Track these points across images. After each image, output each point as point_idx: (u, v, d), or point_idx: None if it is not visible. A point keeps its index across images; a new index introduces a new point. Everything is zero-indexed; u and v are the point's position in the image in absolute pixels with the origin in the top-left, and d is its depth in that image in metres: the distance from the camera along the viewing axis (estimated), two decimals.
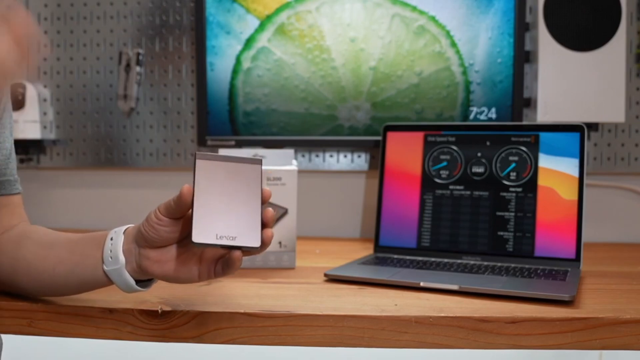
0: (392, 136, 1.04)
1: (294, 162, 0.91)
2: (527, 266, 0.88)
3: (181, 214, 0.61)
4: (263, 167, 0.90)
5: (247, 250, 0.61)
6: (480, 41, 1.13)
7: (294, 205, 0.90)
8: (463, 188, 0.98)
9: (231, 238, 0.59)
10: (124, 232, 0.64)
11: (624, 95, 1.09)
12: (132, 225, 0.65)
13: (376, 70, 1.16)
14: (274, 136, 1.18)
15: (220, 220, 0.60)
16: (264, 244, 0.61)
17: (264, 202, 0.63)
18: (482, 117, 1.14)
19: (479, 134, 0.98)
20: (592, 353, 1.05)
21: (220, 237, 0.59)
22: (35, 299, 0.72)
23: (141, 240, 0.62)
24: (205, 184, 0.61)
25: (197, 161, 0.61)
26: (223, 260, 0.62)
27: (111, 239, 0.64)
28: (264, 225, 0.61)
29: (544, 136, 0.94)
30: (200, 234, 0.59)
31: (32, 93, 1.19)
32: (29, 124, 1.20)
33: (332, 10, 1.16)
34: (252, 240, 0.60)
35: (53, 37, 1.25)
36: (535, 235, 0.92)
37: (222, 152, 0.92)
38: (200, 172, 0.61)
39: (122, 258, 0.62)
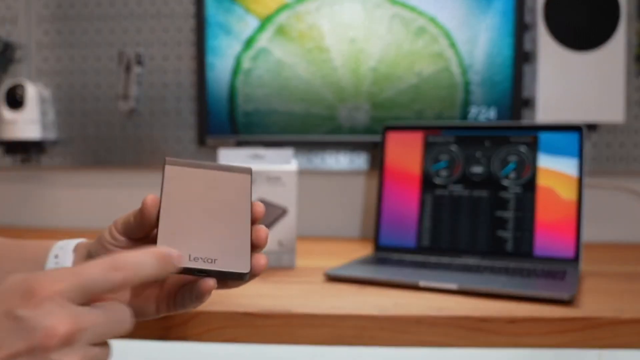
0: (391, 136, 1.04)
1: (294, 161, 0.92)
2: (526, 266, 0.89)
3: (143, 232, 0.50)
4: (263, 167, 0.90)
5: (229, 278, 0.47)
6: (479, 41, 1.13)
7: (294, 205, 0.90)
8: (462, 188, 0.98)
9: (210, 260, 0.46)
10: (74, 249, 0.53)
11: (623, 95, 1.10)
12: (84, 240, 0.55)
13: (376, 71, 1.16)
14: (274, 136, 1.18)
15: (196, 239, 0.47)
16: (254, 271, 0.48)
17: (255, 220, 0.51)
18: (482, 117, 1.14)
19: (478, 134, 0.98)
20: (592, 353, 1.05)
21: (194, 259, 0.46)
22: None
23: None
24: (177, 196, 0.49)
25: (167, 167, 0.50)
26: (187, 288, 0.50)
27: (56, 256, 0.53)
28: (255, 247, 0.49)
29: (543, 136, 0.94)
30: None
31: (32, 93, 1.19)
32: (29, 124, 1.20)
33: (332, 10, 1.16)
34: (239, 264, 0.47)
35: (53, 38, 1.25)
36: (535, 235, 0.92)
37: (222, 153, 0.91)
38: (170, 182, 0.50)
39: None
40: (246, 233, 0.49)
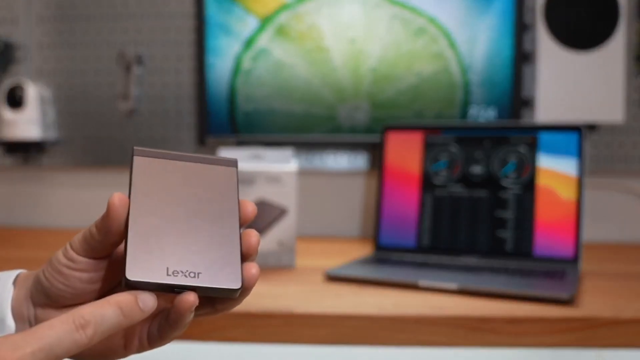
0: (391, 136, 1.04)
1: (294, 161, 0.92)
2: (526, 266, 0.89)
3: (109, 246, 0.40)
4: (263, 167, 0.90)
5: (217, 296, 0.39)
6: (479, 41, 1.13)
7: (294, 205, 0.90)
8: (462, 188, 0.98)
9: (192, 274, 0.38)
10: (13, 282, 0.43)
11: (623, 96, 1.10)
12: (25, 271, 0.45)
13: (376, 71, 1.16)
14: (274, 136, 1.18)
15: (174, 248, 0.38)
16: (246, 285, 0.39)
17: (245, 222, 0.43)
18: (481, 117, 1.14)
19: (478, 134, 0.99)
20: (591, 352, 1.05)
21: (174, 273, 0.37)
22: None
23: (40, 295, 0.42)
24: (149, 194, 0.40)
25: (135, 159, 0.41)
26: (162, 314, 0.41)
27: None
28: (245, 256, 0.41)
29: (542, 136, 0.95)
30: (139, 269, 0.37)
31: (32, 93, 1.19)
32: (29, 124, 1.20)
33: (332, 11, 1.16)
34: (228, 278, 0.38)
35: (54, 38, 1.25)
36: (534, 235, 0.92)
37: (222, 153, 0.92)
38: (139, 176, 0.41)
39: (11, 323, 0.42)
40: (235, 239, 0.40)
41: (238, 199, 0.43)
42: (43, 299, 0.42)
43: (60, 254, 0.41)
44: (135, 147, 0.42)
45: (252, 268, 0.40)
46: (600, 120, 1.11)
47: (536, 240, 0.92)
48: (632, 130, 1.14)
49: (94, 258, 0.41)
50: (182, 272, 0.38)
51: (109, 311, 0.36)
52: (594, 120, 1.11)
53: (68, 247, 0.41)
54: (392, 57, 1.15)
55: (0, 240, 1.12)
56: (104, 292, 0.42)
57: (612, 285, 0.79)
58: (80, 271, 0.40)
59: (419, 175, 1.01)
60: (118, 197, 0.39)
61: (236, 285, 0.38)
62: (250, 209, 0.43)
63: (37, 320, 0.42)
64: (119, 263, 0.41)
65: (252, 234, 0.41)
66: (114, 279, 0.42)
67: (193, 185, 0.42)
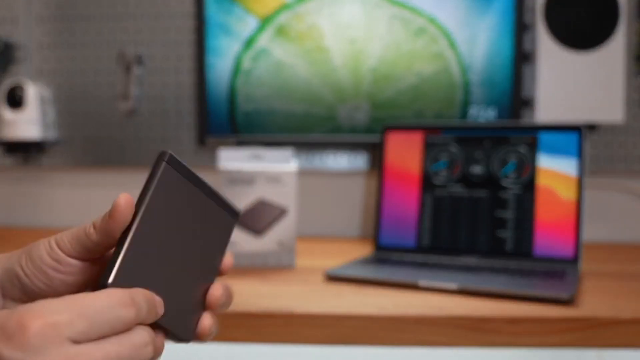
0: (391, 136, 1.04)
1: (294, 161, 0.92)
2: (526, 266, 0.89)
3: (101, 251, 0.39)
4: (263, 167, 0.90)
5: (167, 336, 0.39)
6: (479, 41, 1.13)
7: (294, 205, 0.90)
8: (462, 188, 0.98)
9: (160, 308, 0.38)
10: None
11: (623, 96, 1.10)
12: None
13: (376, 71, 1.16)
14: (274, 136, 1.18)
15: (155, 276, 0.38)
16: (198, 338, 0.41)
17: (221, 274, 0.43)
18: (481, 117, 1.14)
19: (478, 134, 0.99)
20: (591, 352, 1.05)
21: None
22: None
23: (15, 289, 0.39)
24: (160, 208, 0.38)
25: (165, 166, 0.39)
26: None
27: None
28: (207, 307, 0.41)
29: (542, 136, 0.95)
30: (122, 280, 0.36)
31: (32, 93, 1.19)
32: (29, 124, 1.20)
33: (332, 11, 1.16)
34: (183, 328, 0.39)
35: (54, 38, 1.25)
36: (534, 235, 0.92)
37: (222, 153, 0.91)
38: (160, 186, 0.39)
39: None
40: (205, 288, 0.41)
41: (226, 248, 0.43)
42: (18, 294, 0.39)
43: (42, 251, 0.38)
44: (168, 152, 0.40)
45: (207, 325, 0.41)
46: (600, 120, 1.11)
47: (536, 240, 0.92)
48: (632, 130, 1.14)
49: (85, 260, 0.39)
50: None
51: (154, 302, 0.36)
52: (594, 120, 1.11)
53: (54, 246, 0.38)
54: (392, 57, 1.15)
55: (0, 240, 1.12)
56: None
57: (612, 285, 0.79)
58: (66, 274, 0.38)
59: (419, 175, 1.01)
60: (125, 199, 0.37)
61: (187, 338, 0.39)
62: (228, 263, 0.43)
63: (8, 315, 0.37)
64: (105, 266, 0.38)
65: (217, 288, 0.41)
66: (93, 281, 0.40)
67: (199, 220, 0.41)
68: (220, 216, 0.42)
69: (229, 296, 0.43)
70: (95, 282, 0.39)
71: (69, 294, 0.36)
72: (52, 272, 0.38)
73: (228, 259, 0.43)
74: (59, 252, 0.38)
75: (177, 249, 0.39)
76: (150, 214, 0.38)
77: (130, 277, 0.36)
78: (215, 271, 0.42)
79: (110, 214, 0.37)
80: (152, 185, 0.38)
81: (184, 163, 0.40)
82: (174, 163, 0.39)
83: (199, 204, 0.41)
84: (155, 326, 0.37)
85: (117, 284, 0.35)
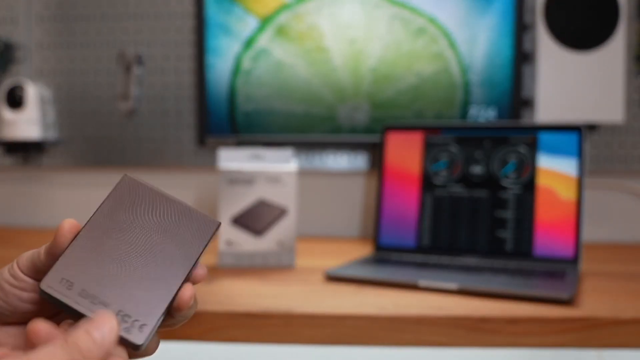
0: (391, 136, 1.04)
1: (294, 161, 0.92)
2: (526, 266, 0.89)
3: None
4: (263, 167, 0.90)
5: (122, 343, 0.37)
6: (479, 42, 1.13)
7: (294, 205, 0.90)
8: (462, 188, 0.98)
9: (102, 306, 0.36)
10: None
11: (623, 96, 1.10)
12: None
13: (375, 71, 1.16)
14: (274, 136, 1.18)
15: (102, 274, 0.37)
16: (178, 308, 0.40)
17: (195, 282, 0.42)
18: (481, 117, 1.14)
19: (478, 134, 0.99)
20: (591, 353, 1.05)
21: (83, 296, 0.36)
22: None
23: None
24: (113, 213, 0.40)
25: (124, 177, 0.42)
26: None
27: None
28: (175, 310, 0.40)
29: (542, 136, 0.95)
30: (56, 281, 0.37)
31: (32, 93, 1.19)
32: (29, 124, 1.20)
33: (332, 11, 1.16)
34: (135, 330, 0.36)
35: (54, 38, 1.25)
36: (534, 235, 0.92)
37: (222, 153, 0.91)
38: (116, 193, 0.41)
39: None
40: (170, 290, 0.39)
41: (199, 256, 0.41)
42: None
43: (5, 271, 0.41)
44: (126, 175, 0.42)
45: (188, 292, 0.39)
46: (600, 120, 1.11)
47: (536, 240, 0.92)
48: (632, 130, 1.14)
49: (37, 279, 0.40)
50: (93, 299, 0.36)
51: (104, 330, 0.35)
52: (594, 120, 1.11)
53: (14, 264, 0.41)
54: (392, 57, 1.15)
55: (0, 240, 1.12)
56: (45, 316, 0.40)
57: (612, 285, 0.79)
58: (21, 290, 0.40)
59: (419, 175, 1.01)
60: (68, 223, 0.39)
61: (138, 341, 0.36)
62: (201, 272, 0.42)
63: None
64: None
65: (188, 288, 0.40)
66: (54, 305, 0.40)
67: (164, 222, 0.41)
68: (195, 220, 0.42)
69: (195, 302, 0.42)
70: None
71: (27, 315, 0.40)
72: (8, 287, 0.40)
73: (201, 270, 0.43)
74: (17, 269, 0.40)
75: (134, 248, 0.39)
76: (99, 221, 0.39)
77: (66, 278, 0.37)
78: (185, 273, 0.40)
79: (54, 237, 0.39)
80: (105, 202, 0.40)
81: (145, 183, 0.42)
82: (133, 183, 0.41)
83: (167, 209, 0.41)
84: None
85: (48, 285, 0.36)
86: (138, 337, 0.36)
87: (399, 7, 1.15)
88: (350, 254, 1.01)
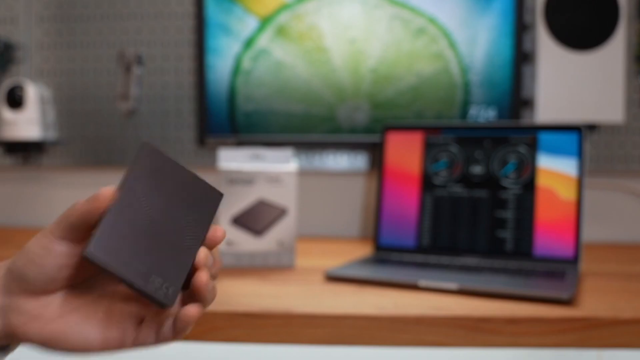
0: (392, 136, 1.04)
1: (294, 161, 0.92)
2: (526, 266, 0.89)
3: (85, 230, 0.41)
4: (263, 167, 0.90)
5: (150, 300, 0.42)
6: (479, 42, 1.13)
7: (294, 205, 0.90)
8: (462, 188, 0.98)
9: (143, 276, 0.41)
10: None
11: (623, 96, 1.10)
12: None
13: (375, 71, 1.16)
14: (274, 136, 1.18)
15: (137, 245, 0.42)
16: (196, 291, 0.43)
17: (212, 245, 0.46)
18: (481, 117, 1.14)
19: (478, 134, 0.99)
20: (591, 353, 1.05)
21: (127, 267, 0.41)
22: None
23: (13, 283, 0.41)
24: (143, 183, 0.43)
25: (144, 145, 0.44)
26: (173, 319, 0.44)
27: None
28: (195, 268, 0.43)
29: (542, 136, 0.95)
30: (103, 250, 0.40)
31: (32, 93, 1.19)
32: (29, 124, 1.20)
33: (332, 11, 1.16)
34: (166, 293, 0.42)
35: (54, 38, 1.25)
36: (534, 235, 0.92)
37: (222, 153, 0.91)
38: (142, 163, 0.44)
39: None
40: (190, 255, 0.43)
41: (211, 222, 0.46)
42: (16, 286, 0.41)
43: (35, 246, 0.41)
44: (148, 143, 0.45)
45: (203, 276, 0.42)
46: (600, 120, 1.11)
47: (536, 240, 0.92)
48: (632, 130, 1.14)
49: (72, 241, 0.41)
50: (135, 269, 0.41)
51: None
52: (594, 120, 1.11)
53: (42, 239, 0.41)
54: (392, 57, 1.15)
55: (0, 240, 1.12)
56: (74, 281, 0.43)
57: (612, 285, 0.79)
58: (55, 256, 0.41)
59: (419, 176, 1.01)
60: (108, 191, 0.41)
61: (168, 302, 0.42)
62: (220, 234, 0.45)
63: (8, 310, 0.41)
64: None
65: (202, 251, 0.43)
66: (84, 270, 0.43)
67: (181, 191, 0.45)
68: (202, 194, 0.46)
69: (216, 261, 0.45)
70: (81, 266, 0.43)
71: (59, 280, 0.41)
72: (43, 257, 0.41)
73: (219, 230, 0.45)
74: (49, 234, 0.41)
75: (159, 216, 0.43)
76: (128, 195, 0.42)
77: (114, 243, 0.40)
78: (202, 238, 0.45)
79: (91, 203, 0.41)
80: (132, 170, 0.43)
81: (163, 151, 0.46)
82: (153, 151, 0.44)
83: (183, 177, 0.45)
84: (142, 293, 0.41)
85: (97, 253, 0.39)
86: (168, 299, 0.42)
87: (399, 7, 1.15)
88: (350, 254, 1.01)
